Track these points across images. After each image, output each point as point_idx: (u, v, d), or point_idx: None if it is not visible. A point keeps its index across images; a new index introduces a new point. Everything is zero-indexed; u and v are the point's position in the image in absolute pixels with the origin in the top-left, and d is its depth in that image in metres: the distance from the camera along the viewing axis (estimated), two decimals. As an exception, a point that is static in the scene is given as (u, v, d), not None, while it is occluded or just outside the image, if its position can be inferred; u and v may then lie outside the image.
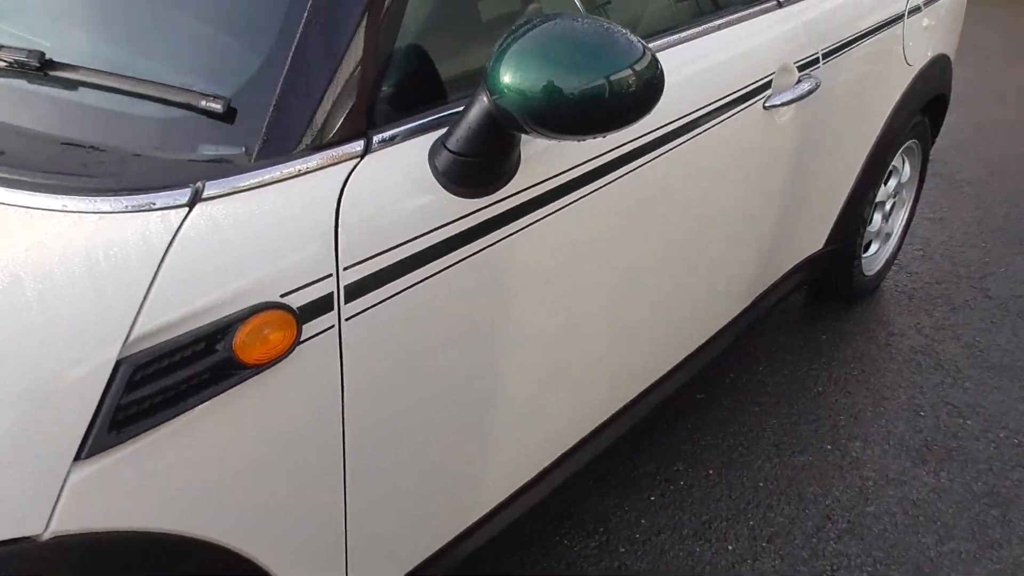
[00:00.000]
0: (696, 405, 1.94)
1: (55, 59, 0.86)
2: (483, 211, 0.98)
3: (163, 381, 0.74)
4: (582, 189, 1.10)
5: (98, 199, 0.77)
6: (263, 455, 0.85)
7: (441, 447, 1.06)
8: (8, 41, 0.91)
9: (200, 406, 0.77)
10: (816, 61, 1.55)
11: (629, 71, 0.89)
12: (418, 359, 0.97)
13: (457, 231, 0.96)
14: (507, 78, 0.87)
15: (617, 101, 0.90)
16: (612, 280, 1.23)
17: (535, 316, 1.11)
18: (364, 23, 0.91)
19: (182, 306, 0.75)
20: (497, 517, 1.22)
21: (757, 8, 1.46)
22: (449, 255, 0.96)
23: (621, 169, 1.16)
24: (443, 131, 0.95)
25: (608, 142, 1.11)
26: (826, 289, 2.28)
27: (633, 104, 0.92)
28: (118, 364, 0.71)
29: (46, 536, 0.68)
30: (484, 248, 0.99)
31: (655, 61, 0.92)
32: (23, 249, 0.72)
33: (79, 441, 0.69)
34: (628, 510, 1.65)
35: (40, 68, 0.86)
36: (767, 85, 1.42)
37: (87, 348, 0.70)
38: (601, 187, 1.13)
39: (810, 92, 1.49)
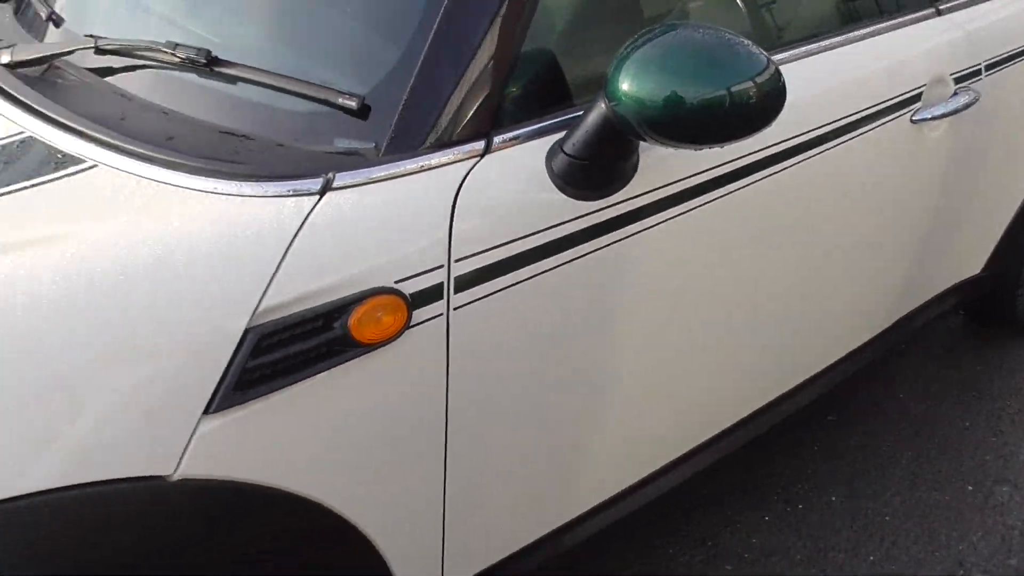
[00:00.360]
0: (826, 427, 1.87)
1: (219, 57, 0.97)
2: (596, 214, 1.01)
3: (284, 351, 0.82)
4: (702, 197, 1.10)
5: (243, 183, 0.86)
6: (370, 428, 0.92)
7: (542, 441, 1.10)
8: (183, 40, 1.02)
9: (315, 377, 0.84)
10: (977, 73, 1.45)
11: (750, 83, 0.90)
12: (523, 353, 1.02)
13: (569, 232, 0.99)
14: (626, 85, 0.90)
15: (737, 112, 0.91)
16: (733, 291, 1.23)
17: (645, 321, 1.13)
18: (494, 28, 0.96)
19: (306, 285, 0.83)
20: (599, 515, 1.25)
21: (911, 16, 1.40)
22: (559, 255, 0.99)
23: (749, 178, 1.15)
24: (562, 134, 0.99)
25: (736, 150, 1.11)
26: (986, 316, 2.12)
27: (753, 116, 0.92)
28: (246, 332, 0.80)
29: (175, 477, 0.78)
30: (595, 250, 1.02)
31: (777, 73, 0.92)
32: (176, 224, 0.82)
33: (209, 396, 0.79)
34: (740, 526, 1.62)
35: (207, 64, 0.97)
36: (916, 98, 1.35)
37: (222, 315, 0.79)
38: (723, 196, 1.12)
39: (967, 106, 1.40)
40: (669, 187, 1.07)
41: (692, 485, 1.38)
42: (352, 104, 0.92)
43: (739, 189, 1.14)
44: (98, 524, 0.76)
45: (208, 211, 0.84)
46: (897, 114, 1.33)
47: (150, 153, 0.89)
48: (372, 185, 0.89)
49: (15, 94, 1.00)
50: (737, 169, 1.13)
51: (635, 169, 1.03)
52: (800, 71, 1.19)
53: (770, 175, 1.17)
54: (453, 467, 1.02)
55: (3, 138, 0.95)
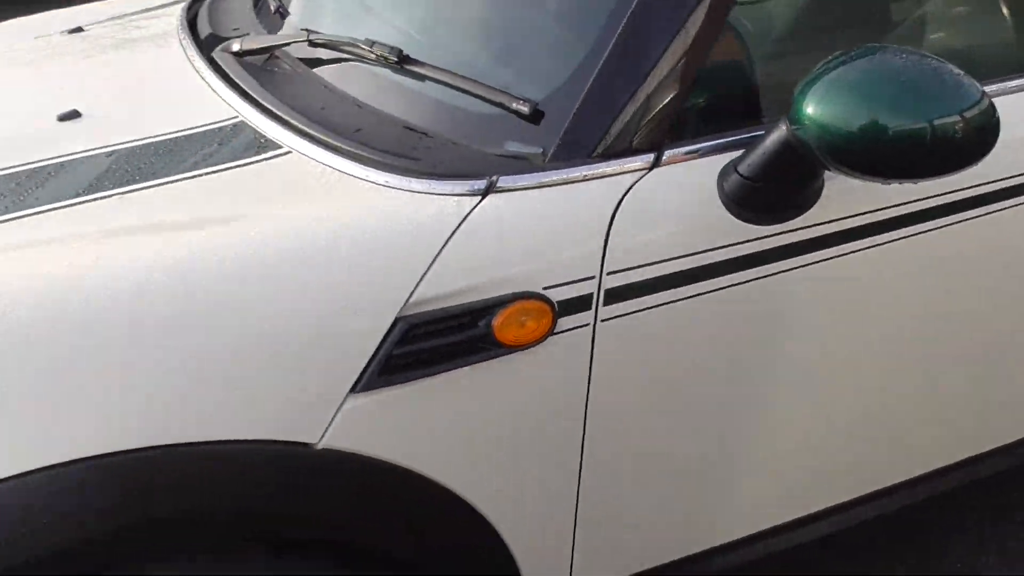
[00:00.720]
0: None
1: (409, 55, 1.02)
2: (767, 239, 0.96)
3: (429, 342, 0.86)
4: (889, 234, 1.02)
5: (413, 180, 0.91)
6: (506, 426, 0.94)
7: (682, 464, 1.08)
8: (385, 36, 1.09)
9: (456, 370, 0.88)
10: None
11: (957, 117, 0.82)
12: (670, 374, 1.00)
13: (734, 255, 0.96)
14: (811, 109, 0.85)
15: (938, 148, 0.83)
16: (911, 338, 1.12)
17: (803, 361, 1.06)
18: (677, 40, 0.94)
19: (456, 282, 0.86)
20: (740, 550, 1.20)
21: None
22: (720, 278, 0.96)
23: (946, 219, 1.05)
24: (736, 153, 0.95)
25: (933, 187, 1.01)
26: None
27: (957, 153, 0.85)
28: (396, 321, 0.85)
29: (319, 446, 0.85)
30: (760, 278, 0.98)
31: (991, 108, 0.83)
32: (348, 213, 0.89)
33: (356, 376, 0.84)
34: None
35: (398, 62, 1.03)
36: None
37: (376, 303, 0.85)
38: (913, 235, 1.03)
39: None
40: (852, 219, 1.00)
41: (853, 535, 1.29)
42: (524, 109, 0.94)
43: (936, 230, 1.04)
44: (250, 476, 0.84)
45: (377, 203, 0.89)
46: None
47: (337, 143, 0.96)
48: (534, 191, 0.91)
49: (237, 80, 1.12)
50: (938, 207, 1.03)
51: (817, 196, 0.97)
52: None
53: (978, 217, 1.06)
54: (588, 475, 1.02)
55: (221, 121, 1.07)
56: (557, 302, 0.90)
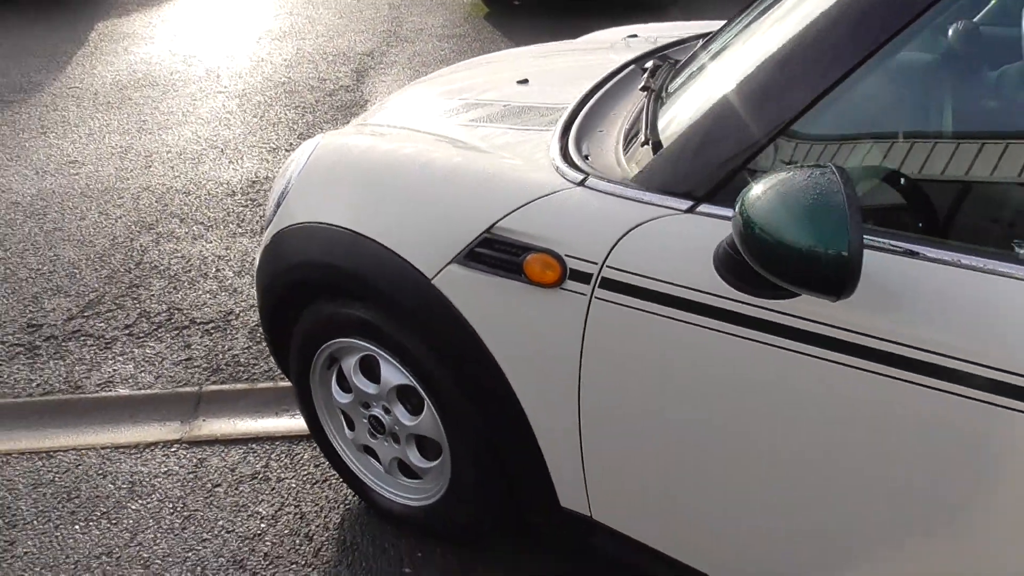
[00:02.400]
0: None
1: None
2: (732, 302, 1.16)
3: (491, 253, 1.40)
4: (847, 357, 1.08)
5: (558, 161, 1.42)
6: (528, 334, 1.40)
7: (639, 426, 1.35)
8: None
9: (500, 278, 1.39)
10: None
11: (820, 251, 0.96)
12: (638, 366, 1.29)
13: (705, 302, 1.19)
14: (749, 201, 1.06)
15: (796, 269, 0.98)
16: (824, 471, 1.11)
17: (730, 417, 1.20)
18: (756, 112, 1.19)
19: (523, 226, 1.36)
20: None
21: None
22: (687, 313, 1.21)
23: (922, 376, 1.03)
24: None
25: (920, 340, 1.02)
26: None
27: (814, 284, 0.97)
28: (483, 231, 1.41)
29: (432, 280, 1.48)
30: (715, 330, 1.18)
31: (845, 259, 0.93)
32: (515, 163, 1.46)
33: (457, 252, 1.44)
34: None
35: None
36: None
37: (483, 215, 1.41)
38: (867, 371, 1.06)
39: None
40: (821, 327, 1.10)
41: None
42: (642, 138, 1.33)
43: (898, 379, 1.04)
44: (389, 270, 1.53)
45: (531, 162, 1.45)
46: None
47: (562, 135, 1.52)
48: (602, 194, 1.32)
49: (598, 83, 1.72)
50: (908, 359, 1.03)
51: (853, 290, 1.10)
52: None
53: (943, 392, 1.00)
54: (583, 404, 1.40)
55: (561, 105, 1.71)
56: (569, 268, 1.31)
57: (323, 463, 2.16)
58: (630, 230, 1.27)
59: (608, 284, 1.29)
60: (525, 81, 1.97)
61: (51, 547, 1.96)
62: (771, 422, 1.19)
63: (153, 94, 5.03)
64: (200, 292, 2.97)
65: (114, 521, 2.03)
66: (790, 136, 1.18)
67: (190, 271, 3.11)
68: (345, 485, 2.08)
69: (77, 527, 2.01)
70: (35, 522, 2.03)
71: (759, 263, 1.03)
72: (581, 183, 1.36)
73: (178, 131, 4.46)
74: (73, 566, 1.90)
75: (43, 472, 2.19)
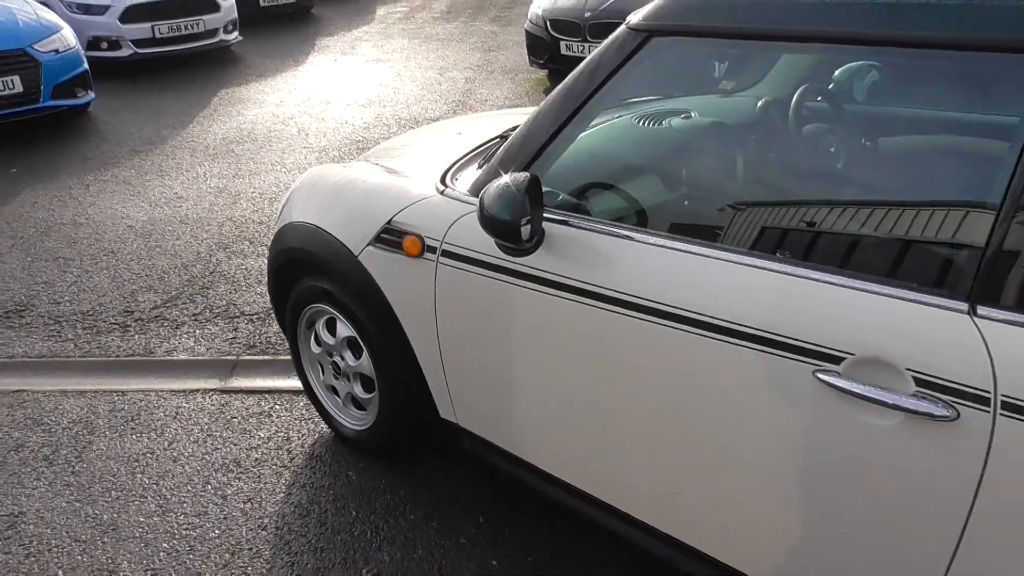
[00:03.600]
0: None
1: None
2: (503, 259, 1.91)
3: (387, 236, 2.19)
4: (564, 293, 1.81)
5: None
6: (410, 291, 2.19)
7: (466, 355, 2.10)
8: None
9: (390, 253, 2.19)
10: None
11: (500, 219, 1.73)
12: (465, 308, 2.05)
13: (485, 260, 1.95)
14: (482, 194, 1.83)
15: (495, 232, 1.75)
16: (574, 360, 1.83)
17: (516, 336, 1.94)
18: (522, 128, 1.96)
19: (412, 219, 2.16)
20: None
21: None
22: (483, 269, 1.96)
23: (604, 304, 1.75)
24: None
25: (603, 281, 1.76)
26: None
27: (504, 238, 1.74)
28: (388, 220, 2.21)
29: (359, 256, 2.29)
30: (498, 280, 1.93)
31: (511, 223, 1.70)
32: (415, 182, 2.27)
33: (371, 237, 2.25)
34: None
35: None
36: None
37: (392, 205, 2.22)
38: (579, 303, 1.79)
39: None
40: (541, 272, 1.84)
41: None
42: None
43: (590, 306, 1.77)
44: (332, 251, 2.35)
45: (425, 181, 2.25)
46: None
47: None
48: (450, 199, 2.10)
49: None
50: (592, 292, 1.75)
51: (535, 249, 1.85)
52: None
53: (614, 313, 1.72)
54: (440, 337, 2.16)
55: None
56: (426, 244, 2.10)
57: (310, 408, 2.97)
58: (458, 219, 2.05)
59: (445, 254, 2.06)
60: (460, 133, 2.78)
61: (116, 448, 2.83)
62: (534, 339, 1.93)
63: (251, 148, 6.14)
64: (253, 294, 3.88)
65: (159, 433, 2.89)
66: (541, 159, 1.94)
67: (249, 279, 4.04)
68: (320, 419, 2.88)
69: (135, 437, 2.88)
70: (107, 432, 2.92)
71: (485, 229, 1.78)
72: (441, 193, 2.15)
73: (265, 177, 5.51)
74: (126, 460, 2.77)
75: (117, 403, 3.09)
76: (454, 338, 2.13)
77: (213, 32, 8.90)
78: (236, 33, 9.30)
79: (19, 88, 6.23)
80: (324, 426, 2.88)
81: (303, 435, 2.85)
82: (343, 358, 2.57)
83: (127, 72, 8.47)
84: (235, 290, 3.94)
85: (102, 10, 8.28)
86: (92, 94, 6.89)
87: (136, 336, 3.59)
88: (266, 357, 3.37)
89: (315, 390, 2.79)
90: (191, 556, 2.35)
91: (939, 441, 1.34)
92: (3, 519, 2.52)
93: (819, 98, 2.11)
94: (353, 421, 2.71)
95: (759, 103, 2.22)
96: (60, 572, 2.31)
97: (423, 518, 2.45)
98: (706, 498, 1.72)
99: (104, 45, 8.35)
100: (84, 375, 3.32)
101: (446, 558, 2.29)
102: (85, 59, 6.80)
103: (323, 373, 2.72)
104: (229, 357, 3.39)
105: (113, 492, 2.62)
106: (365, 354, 2.47)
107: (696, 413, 1.66)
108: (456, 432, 2.32)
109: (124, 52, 8.42)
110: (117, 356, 3.45)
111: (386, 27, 10.96)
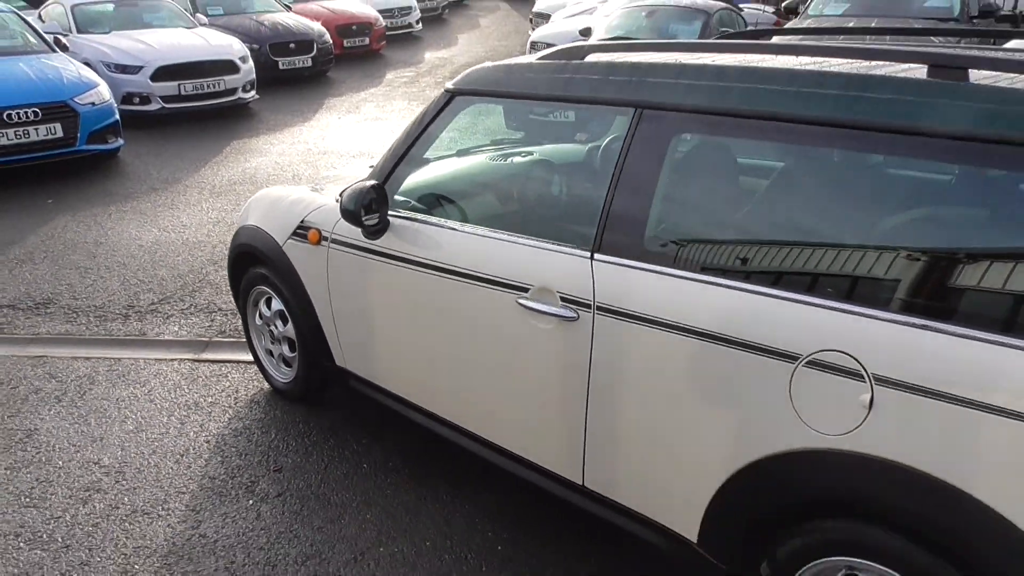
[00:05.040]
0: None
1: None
2: (364, 243, 2.90)
3: (300, 230, 3.20)
4: (394, 262, 2.79)
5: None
6: (318, 269, 3.18)
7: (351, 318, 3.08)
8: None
9: (300, 243, 3.18)
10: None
11: (351, 210, 2.75)
12: (343, 277, 3.03)
13: (358, 244, 2.93)
14: (341, 195, 2.83)
15: (351, 220, 2.76)
16: (419, 319, 2.81)
17: (368, 298, 2.92)
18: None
19: (318, 219, 3.16)
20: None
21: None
22: (355, 251, 2.95)
23: (423, 270, 2.73)
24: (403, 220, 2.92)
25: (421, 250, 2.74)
26: None
27: (356, 225, 2.75)
28: (299, 222, 3.21)
29: (282, 247, 3.29)
30: (363, 258, 2.92)
31: (355, 212, 2.71)
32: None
33: (290, 232, 3.25)
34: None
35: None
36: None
37: (299, 215, 3.22)
38: (409, 270, 2.77)
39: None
40: (390, 250, 2.82)
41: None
42: (358, 183, 3.14)
43: (417, 272, 2.75)
44: (264, 249, 3.35)
45: (332, 195, 3.27)
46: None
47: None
48: (339, 204, 3.11)
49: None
50: (414, 260, 2.74)
51: (380, 234, 2.84)
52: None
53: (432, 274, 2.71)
54: (332, 300, 3.15)
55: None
56: (322, 235, 3.09)
57: (258, 373, 3.94)
58: (341, 217, 3.05)
59: (334, 241, 3.06)
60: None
61: (109, 393, 3.82)
62: (388, 298, 2.90)
63: (251, 188, 7.25)
64: (230, 296, 4.89)
65: (141, 385, 3.88)
66: (392, 177, 2.93)
67: (229, 285, 5.07)
68: (263, 380, 3.85)
69: (124, 387, 3.87)
70: (103, 383, 3.91)
71: (343, 217, 2.78)
72: (336, 200, 3.15)
73: (258, 212, 6.60)
74: (115, 400, 3.75)
75: (114, 366, 4.08)
76: (340, 302, 3.11)
77: (232, 91, 10.15)
78: (253, 92, 10.55)
79: (60, 134, 7.42)
80: (266, 384, 3.85)
81: (249, 389, 3.83)
82: (276, 326, 3.55)
83: (155, 123, 9.71)
84: (217, 293, 4.96)
85: (136, 70, 9.57)
86: (121, 140, 8.08)
87: (134, 323, 4.61)
88: (232, 340, 4.37)
89: (259, 354, 3.78)
90: (154, 456, 3.31)
91: (570, 332, 2.29)
92: (24, 431, 3.51)
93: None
94: (283, 376, 3.68)
95: (526, 151, 3.28)
96: (60, 463, 3.28)
97: (322, 439, 3.40)
98: (484, 398, 2.66)
99: (136, 100, 9.61)
100: (91, 348, 4.33)
101: (333, 462, 3.23)
102: (117, 111, 8.02)
103: (264, 340, 3.71)
104: (203, 339, 4.39)
105: (103, 419, 3.60)
106: (290, 322, 3.45)
107: (470, 334, 2.61)
108: (346, 375, 3.28)
109: (153, 106, 9.67)
110: (118, 336, 4.46)
111: (391, 89, 12.22)
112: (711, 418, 2.02)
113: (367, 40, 14.57)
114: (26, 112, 7.18)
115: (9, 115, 7.07)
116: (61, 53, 8.43)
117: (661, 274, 2.12)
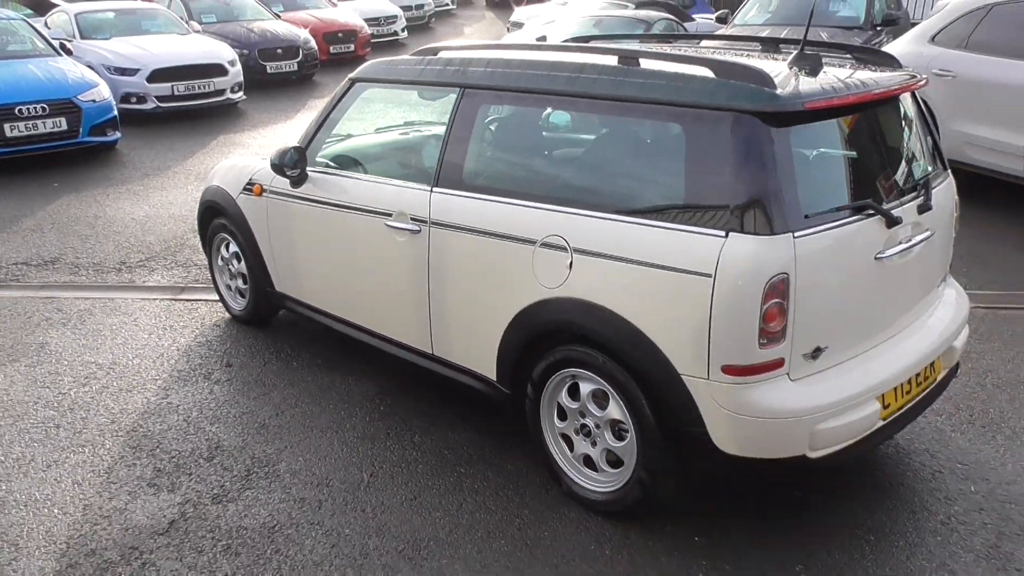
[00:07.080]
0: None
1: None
2: (291, 191, 4.00)
3: (248, 186, 4.30)
4: (317, 204, 3.90)
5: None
6: (281, 215, 4.28)
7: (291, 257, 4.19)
8: None
9: (249, 196, 4.29)
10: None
11: (276, 164, 3.87)
12: (280, 220, 4.14)
13: (287, 192, 4.03)
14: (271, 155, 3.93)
15: (278, 171, 3.88)
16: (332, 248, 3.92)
17: (309, 238, 4.03)
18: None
19: (258, 177, 4.27)
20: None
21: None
22: (294, 199, 4.05)
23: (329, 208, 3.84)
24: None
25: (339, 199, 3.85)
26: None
27: (282, 174, 3.87)
28: (248, 179, 4.32)
29: (236, 199, 4.39)
30: (295, 203, 4.02)
31: (276, 164, 3.83)
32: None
33: (242, 187, 4.36)
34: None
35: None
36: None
37: (248, 174, 4.33)
38: (317, 208, 3.88)
39: (379, 222, 3.47)
40: (311, 195, 3.92)
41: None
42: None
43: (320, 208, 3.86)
44: (222, 202, 4.46)
45: (265, 159, 4.39)
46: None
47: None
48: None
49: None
50: (315, 200, 3.84)
51: (302, 182, 3.93)
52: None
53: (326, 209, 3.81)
54: (270, 236, 4.25)
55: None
56: (263, 188, 4.20)
57: (220, 307, 5.04)
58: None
59: (271, 192, 4.17)
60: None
61: (103, 320, 4.93)
62: (309, 232, 4.01)
63: (232, 175, 8.38)
64: (204, 255, 6.01)
65: (129, 315, 5.00)
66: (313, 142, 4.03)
67: (205, 248, 6.19)
68: (224, 310, 4.96)
69: (115, 316, 4.98)
70: (100, 314, 5.02)
71: (271, 169, 3.89)
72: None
73: (236, 194, 7.72)
74: (109, 325, 4.86)
75: (108, 304, 5.20)
76: (276, 239, 4.21)
77: (221, 92, 11.30)
78: (241, 93, 11.70)
79: (64, 127, 8.56)
80: (227, 315, 4.95)
81: (213, 317, 4.94)
82: (233, 265, 4.66)
83: (151, 120, 10.86)
84: (194, 253, 6.08)
85: (134, 72, 10.72)
86: (119, 134, 9.23)
87: (125, 274, 5.72)
88: (203, 286, 5.48)
89: (220, 290, 4.88)
90: (136, 358, 4.42)
91: (417, 240, 3.38)
92: (38, 344, 4.62)
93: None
94: (238, 305, 4.79)
95: (415, 128, 4.46)
96: (65, 362, 4.38)
97: (265, 347, 4.51)
98: (366, 297, 3.75)
99: (134, 99, 10.76)
100: (90, 291, 5.45)
101: (271, 361, 4.34)
102: (115, 107, 9.17)
103: (224, 276, 4.81)
104: (180, 285, 5.51)
105: (99, 336, 4.71)
106: (243, 260, 4.55)
107: (359, 250, 3.71)
108: (283, 298, 4.37)
109: (149, 105, 10.82)
110: (112, 283, 5.58)
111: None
112: (495, 287, 3.12)
113: (352, 47, 15.72)
114: (35, 108, 8.33)
115: (20, 110, 8.23)
116: (66, 56, 9.60)
117: (469, 198, 3.22)
